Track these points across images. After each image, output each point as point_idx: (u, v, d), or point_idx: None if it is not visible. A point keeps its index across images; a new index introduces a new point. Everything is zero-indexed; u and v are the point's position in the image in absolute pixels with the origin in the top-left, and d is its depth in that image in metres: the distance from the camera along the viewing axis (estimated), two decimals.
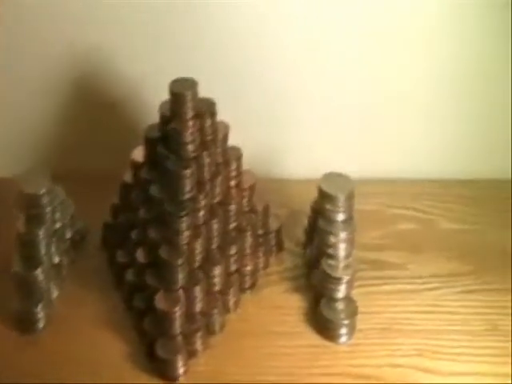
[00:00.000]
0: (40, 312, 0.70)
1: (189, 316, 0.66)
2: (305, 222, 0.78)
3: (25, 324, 0.70)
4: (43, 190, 0.69)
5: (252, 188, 0.72)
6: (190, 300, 0.66)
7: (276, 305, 0.72)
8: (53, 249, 0.72)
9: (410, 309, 0.71)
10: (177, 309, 0.64)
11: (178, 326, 0.65)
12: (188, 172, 0.64)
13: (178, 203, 0.65)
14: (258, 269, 0.74)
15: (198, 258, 0.67)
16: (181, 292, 0.65)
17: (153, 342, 0.65)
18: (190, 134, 0.64)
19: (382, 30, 0.80)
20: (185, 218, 0.65)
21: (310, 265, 0.73)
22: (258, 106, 0.82)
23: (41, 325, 0.70)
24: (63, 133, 0.86)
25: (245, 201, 0.72)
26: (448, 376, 0.65)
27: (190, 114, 0.65)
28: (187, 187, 0.65)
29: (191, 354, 0.66)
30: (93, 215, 0.79)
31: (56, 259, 0.72)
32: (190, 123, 0.65)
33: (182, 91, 0.64)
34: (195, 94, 0.65)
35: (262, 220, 0.74)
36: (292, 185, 0.85)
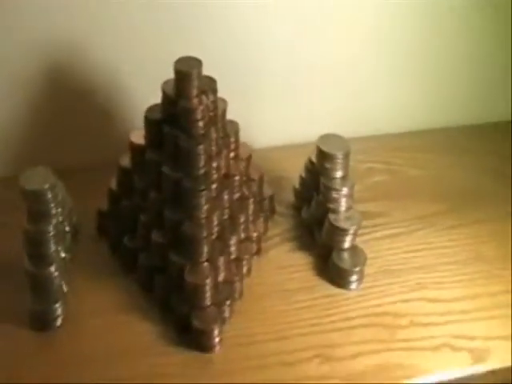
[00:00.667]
0: (58, 309, 0.69)
1: (215, 286, 0.69)
2: (286, 186, 0.83)
3: (42, 323, 0.69)
4: (47, 185, 0.67)
5: (249, 159, 0.76)
6: (215, 271, 0.69)
7: (284, 264, 0.77)
8: (59, 244, 0.70)
9: (404, 249, 0.79)
10: (208, 280, 0.67)
11: (209, 296, 0.67)
12: (201, 148, 0.66)
13: (195, 179, 0.67)
14: (261, 234, 0.78)
15: (216, 229, 0.69)
16: (206, 264, 0.68)
17: (186, 316, 0.67)
18: (200, 112, 0.66)
19: None
20: (204, 193, 0.67)
21: (311, 222, 0.78)
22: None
23: (58, 322, 0.69)
24: (38, 128, 0.83)
25: (242, 171, 0.75)
26: (451, 302, 0.74)
27: (195, 92, 0.67)
28: (201, 163, 0.67)
29: (222, 322, 0.69)
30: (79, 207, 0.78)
31: (62, 254, 0.71)
32: (198, 101, 0.67)
33: (188, 70, 0.66)
34: (200, 72, 0.67)
35: (259, 188, 0.78)
36: (265, 153, 0.88)
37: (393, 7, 0.87)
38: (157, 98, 0.69)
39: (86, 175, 0.82)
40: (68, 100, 0.82)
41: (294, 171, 0.84)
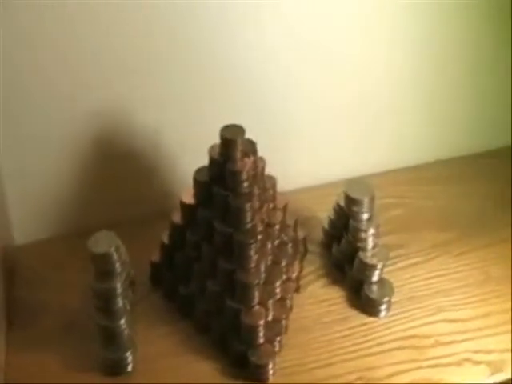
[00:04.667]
0: (129, 357, 0.78)
1: (266, 325, 0.78)
2: (315, 225, 0.95)
3: (115, 369, 0.78)
4: (113, 248, 0.76)
5: (285, 208, 0.85)
6: (265, 312, 0.78)
7: (320, 299, 0.87)
8: (125, 298, 0.79)
9: (424, 276, 0.90)
10: (261, 321, 0.77)
11: (262, 335, 0.78)
12: (248, 205, 0.76)
13: (244, 233, 0.77)
14: (299, 273, 0.88)
15: (263, 275, 0.79)
16: (258, 307, 0.78)
17: (243, 353, 0.78)
18: (245, 173, 0.76)
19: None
20: (253, 245, 0.77)
21: (342, 259, 0.88)
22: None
23: (130, 368, 0.78)
24: (84, 190, 0.92)
25: (281, 219, 0.85)
26: (468, 321, 0.85)
27: (239, 155, 0.77)
28: (248, 218, 0.77)
29: (274, 355, 0.79)
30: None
31: (128, 306, 0.80)
32: (242, 163, 0.77)
33: (233, 137, 0.75)
34: (243, 138, 0.77)
35: (294, 231, 0.89)
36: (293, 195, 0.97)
37: (405, 46, 0.98)
38: (189, 158, 0.80)
39: (132, 229, 0.90)
40: (117, 162, 0.91)
41: (320, 210, 0.96)
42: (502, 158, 1.10)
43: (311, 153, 1.01)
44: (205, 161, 0.78)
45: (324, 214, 0.94)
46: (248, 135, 0.77)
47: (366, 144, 1.04)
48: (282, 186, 0.87)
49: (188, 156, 0.85)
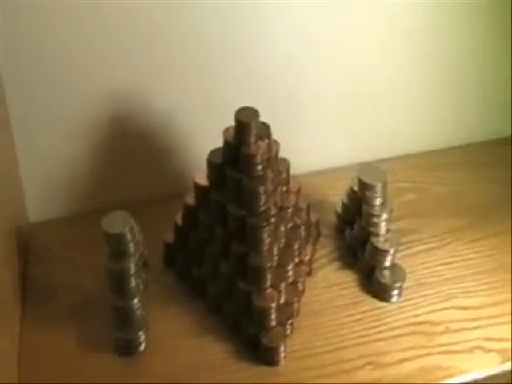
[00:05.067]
0: (141, 337, 0.79)
1: (278, 308, 0.79)
2: (327, 209, 0.95)
3: (128, 349, 0.79)
4: (127, 228, 0.76)
5: (298, 191, 0.85)
6: (277, 295, 0.79)
7: (332, 283, 0.88)
8: (139, 278, 0.79)
9: (436, 263, 0.90)
10: (273, 304, 0.77)
11: (274, 318, 0.78)
12: (262, 188, 0.76)
13: (257, 216, 0.77)
14: (311, 257, 0.89)
15: (275, 258, 0.80)
16: (270, 290, 0.79)
17: (255, 335, 0.78)
18: (259, 157, 0.76)
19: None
20: (266, 228, 0.77)
21: (354, 244, 0.89)
22: None
23: (142, 348, 0.79)
24: (98, 169, 0.93)
25: (294, 202, 0.85)
26: (479, 309, 0.85)
27: (254, 138, 0.77)
28: (262, 201, 0.77)
29: (286, 338, 0.80)
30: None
31: (141, 286, 0.81)
32: (256, 147, 0.77)
33: (248, 120, 0.75)
34: (258, 121, 0.77)
35: (306, 215, 0.89)
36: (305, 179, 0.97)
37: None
38: (204, 140, 0.81)
39: (146, 209, 0.91)
40: (132, 142, 0.92)
41: (333, 194, 0.96)
42: None
43: (324, 137, 1.01)
44: (219, 143, 0.78)
45: (337, 197, 0.94)
46: (262, 119, 0.77)
47: (380, 129, 1.03)
48: (296, 169, 0.87)
49: (203, 138, 0.86)
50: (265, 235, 0.77)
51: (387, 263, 0.85)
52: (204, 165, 0.80)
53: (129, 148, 0.92)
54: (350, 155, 0.99)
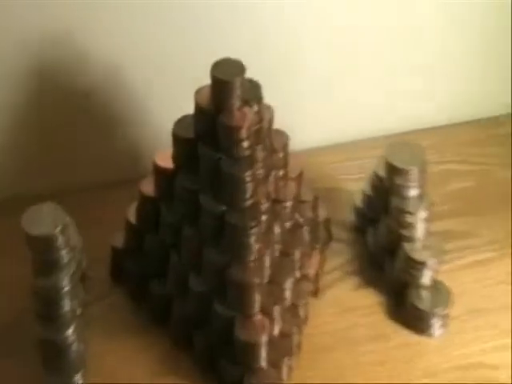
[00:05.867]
0: (79, 381, 0.81)
1: (271, 342, 0.81)
2: (338, 199, 0.97)
3: None
4: (58, 228, 0.76)
5: (300, 176, 0.87)
6: (269, 324, 0.81)
7: (347, 306, 0.90)
8: (74, 299, 0.80)
9: (496, 279, 0.92)
10: (263, 336, 0.79)
11: (264, 356, 0.80)
12: (248, 174, 0.78)
13: (241, 212, 0.79)
14: (318, 269, 0.91)
15: (267, 272, 0.81)
16: (260, 316, 0.81)
17: (237, 379, 0.80)
18: (245, 129, 0.77)
19: None
20: (253, 230, 0.79)
21: (379, 251, 0.91)
22: None
23: None
24: (23, 146, 0.95)
25: (294, 193, 0.87)
26: None
27: (237, 103, 0.78)
28: (248, 192, 0.79)
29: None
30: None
31: (79, 311, 0.82)
32: (241, 115, 0.78)
33: (229, 78, 0.76)
34: (243, 79, 0.77)
35: (313, 211, 0.91)
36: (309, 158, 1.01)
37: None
38: (168, 108, 0.83)
39: (88, 197, 0.93)
40: (68, 109, 0.94)
41: (349, 180, 0.99)
42: None
43: (334, 98, 1.03)
44: (190, 109, 0.80)
45: (354, 185, 0.96)
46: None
47: (413, 90, 1.05)
48: (297, 145, 0.89)
49: (166, 103, 0.88)
50: (251, 239, 0.79)
51: (426, 280, 0.87)
52: (168, 140, 0.82)
53: (62, 115, 0.94)
54: (373, 125, 1.01)
